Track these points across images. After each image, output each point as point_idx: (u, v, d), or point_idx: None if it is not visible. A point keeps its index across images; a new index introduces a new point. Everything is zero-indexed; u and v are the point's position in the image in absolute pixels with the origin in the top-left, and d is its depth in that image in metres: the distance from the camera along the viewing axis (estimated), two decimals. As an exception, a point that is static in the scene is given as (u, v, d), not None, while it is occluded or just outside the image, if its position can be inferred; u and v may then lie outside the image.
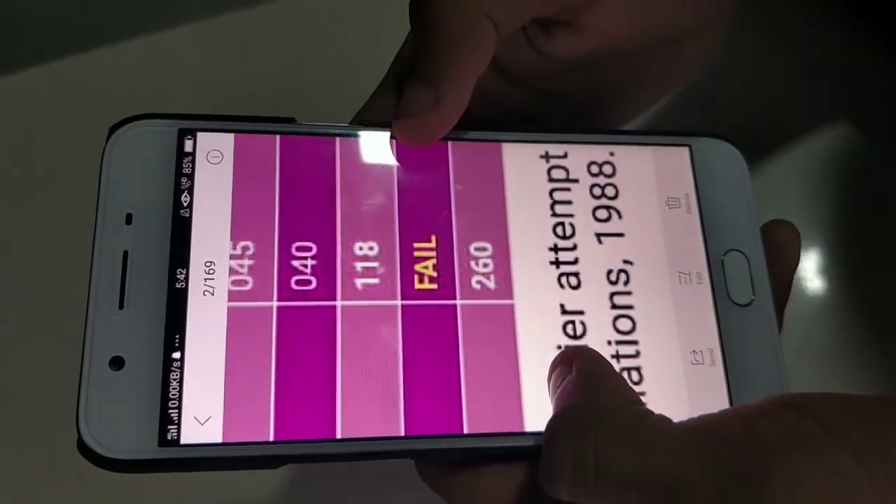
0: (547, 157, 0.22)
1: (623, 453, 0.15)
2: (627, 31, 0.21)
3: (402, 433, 0.19)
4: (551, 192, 0.21)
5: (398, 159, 0.21)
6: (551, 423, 0.17)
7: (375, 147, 0.21)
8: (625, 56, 0.22)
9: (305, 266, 0.19)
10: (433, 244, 0.20)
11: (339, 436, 0.18)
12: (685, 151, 0.23)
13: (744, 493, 0.13)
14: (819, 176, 0.35)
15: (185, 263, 0.19)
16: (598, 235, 0.21)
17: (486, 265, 0.20)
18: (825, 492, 0.13)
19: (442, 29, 0.19)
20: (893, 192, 0.35)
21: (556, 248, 0.21)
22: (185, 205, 0.19)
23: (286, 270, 0.19)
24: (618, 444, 0.15)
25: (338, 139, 0.21)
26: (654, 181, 0.22)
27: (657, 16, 0.21)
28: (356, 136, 0.21)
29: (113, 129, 0.20)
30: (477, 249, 0.20)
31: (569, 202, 0.21)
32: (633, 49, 0.22)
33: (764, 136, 0.35)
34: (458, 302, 0.20)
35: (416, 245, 0.20)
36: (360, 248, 0.20)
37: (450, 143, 0.21)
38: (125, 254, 0.19)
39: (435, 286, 0.20)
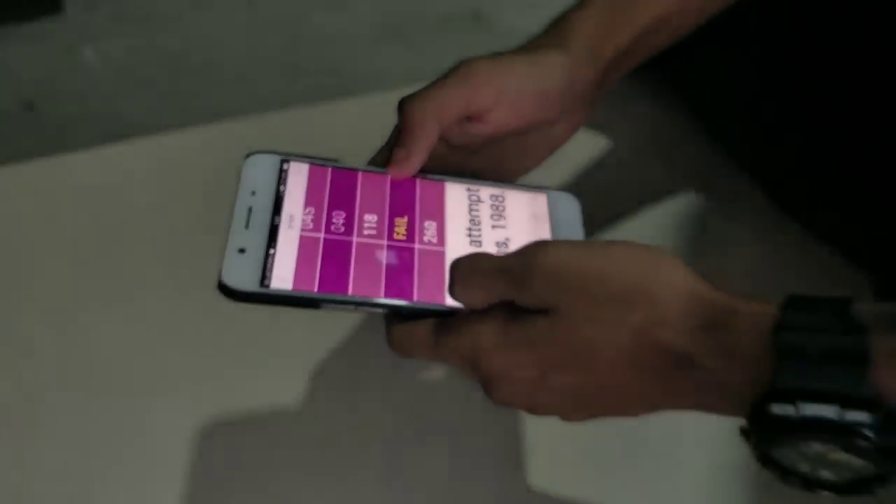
0: (468, 189, 0.41)
1: (483, 260, 0.33)
2: (513, 122, 0.41)
3: (382, 296, 0.36)
4: (469, 205, 0.41)
5: (390, 183, 0.40)
6: (452, 263, 0.35)
7: (378, 177, 0.40)
8: (514, 135, 0.42)
9: (339, 221, 0.38)
10: (405, 219, 0.39)
11: (349, 293, 0.36)
12: (545, 195, 0.42)
13: (526, 264, 0.31)
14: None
15: (279, 214, 0.37)
16: (493, 226, 0.40)
17: (432, 232, 0.39)
18: (558, 257, 0.31)
19: (410, 121, 0.39)
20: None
21: (469, 229, 0.40)
22: (282, 191, 0.38)
23: (329, 221, 0.38)
24: (481, 258, 0.33)
25: (359, 172, 0.40)
26: (525, 206, 0.41)
27: (529, 114, 0.41)
28: (368, 170, 0.40)
29: (248, 155, 0.39)
30: (427, 225, 0.39)
31: (478, 211, 0.40)
32: (518, 131, 0.42)
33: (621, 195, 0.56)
34: (416, 246, 0.38)
35: (396, 219, 0.39)
36: (367, 218, 0.39)
37: (417, 179, 0.41)
38: (249, 208, 0.37)
39: (405, 238, 0.38)
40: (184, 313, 0.52)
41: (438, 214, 0.40)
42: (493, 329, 0.33)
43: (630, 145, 0.60)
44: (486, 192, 0.42)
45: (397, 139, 0.40)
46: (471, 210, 0.41)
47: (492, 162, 0.43)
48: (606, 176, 0.57)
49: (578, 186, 0.55)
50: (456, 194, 0.41)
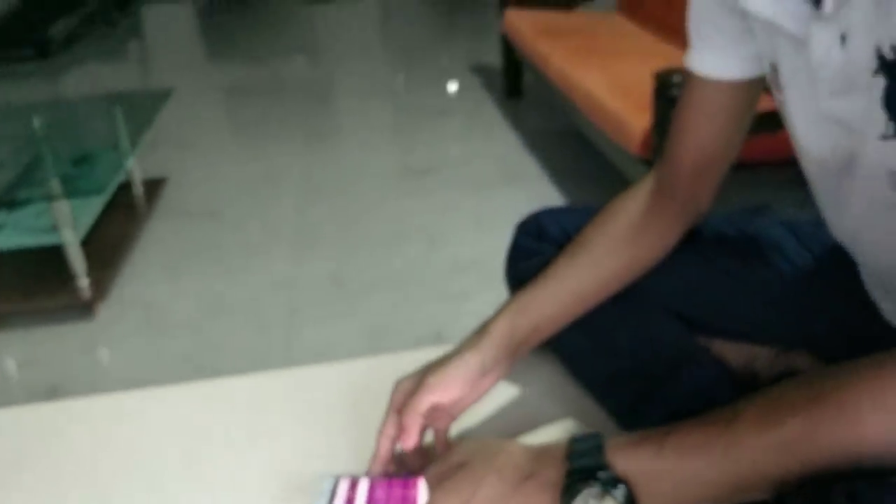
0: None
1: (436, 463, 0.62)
2: (454, 395, 0.68)
3: None
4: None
5: (395, 481, 0.69)
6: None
7: (387, 480, 0.69)
8: (456, 402, 0.70)
9: (364, 492, 0.67)
10: (401, 487, 0.68)
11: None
12: None
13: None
14: None
15: (336, 491, 0.66)
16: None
17: (415, 490, 0.68)
18: (463, 441, 0.61)
19: (406, 423, 0.68)
20: None
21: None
22: (336, 485, 0.67)
23: (357, 493, 0.67)
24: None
25: (372, 478, 0.69)
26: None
27: (461, 388, 0.68)
28: (380, 478, 0.69)
29: (325, 478, 0.69)
30: (411, 491, 0.68)
31: None
32: (458, 400, 0.70)
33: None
34: (409, 493, 0.67)
35: (395, 489, 0.68)
36: (378, 490, 0.68)
37: (403, 478, 0.70)
38: (323, 491, 0.67)
39: (400, 493, 0.68)
40: None
41: (416, 487, 0.69)
42: (443, 489, 0.60)
43: (535, 392, 0.86)
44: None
45: (401, 433, 0.68)
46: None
47: (451, 405, 0.71)
48: (515, 414, 0.84)
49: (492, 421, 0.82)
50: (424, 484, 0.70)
